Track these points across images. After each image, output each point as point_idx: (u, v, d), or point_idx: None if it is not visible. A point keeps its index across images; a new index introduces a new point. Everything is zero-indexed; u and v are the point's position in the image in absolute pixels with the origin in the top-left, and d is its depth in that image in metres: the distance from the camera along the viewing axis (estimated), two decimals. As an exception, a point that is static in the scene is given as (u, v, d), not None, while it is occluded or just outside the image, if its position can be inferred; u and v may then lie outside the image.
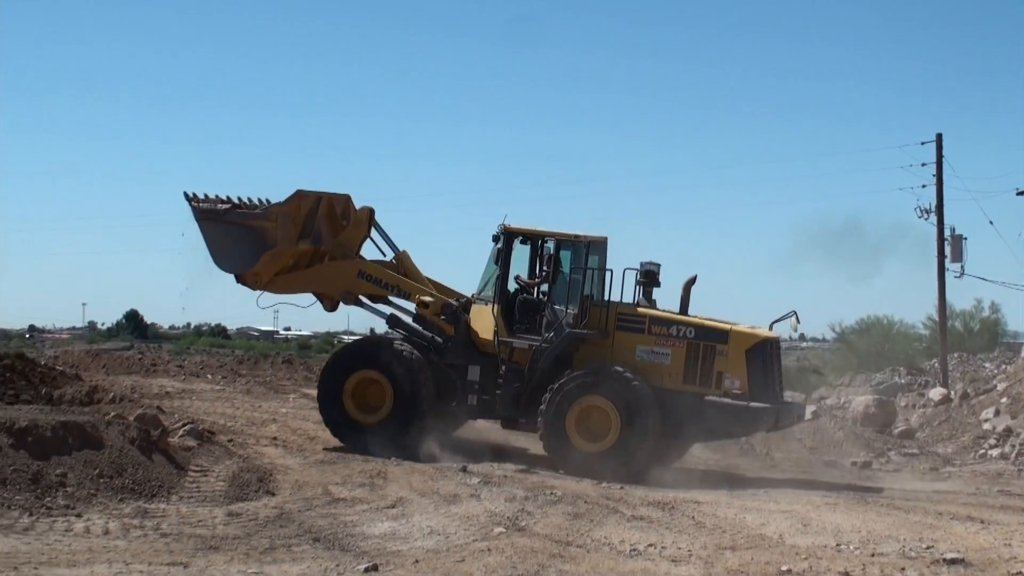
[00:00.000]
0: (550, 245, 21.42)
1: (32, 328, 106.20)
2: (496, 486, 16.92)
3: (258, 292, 22.52)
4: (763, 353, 20.39)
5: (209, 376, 31.88)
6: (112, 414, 16.10)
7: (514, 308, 21.32)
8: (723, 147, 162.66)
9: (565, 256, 21.25)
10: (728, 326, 20.47)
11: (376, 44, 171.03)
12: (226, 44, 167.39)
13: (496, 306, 21.21)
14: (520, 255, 21.85)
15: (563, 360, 20.76)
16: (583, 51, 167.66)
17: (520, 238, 21.62)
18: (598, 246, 21.48)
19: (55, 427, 14.49)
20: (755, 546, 13.62)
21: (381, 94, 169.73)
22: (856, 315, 52.88)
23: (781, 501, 17.29)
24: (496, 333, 21.21)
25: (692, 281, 21.19)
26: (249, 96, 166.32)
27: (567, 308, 20.83)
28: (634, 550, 13.21)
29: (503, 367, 21.07)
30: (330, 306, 22.71)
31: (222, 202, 21.81)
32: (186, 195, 21.84)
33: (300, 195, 21.65)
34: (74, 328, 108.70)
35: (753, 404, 19.93)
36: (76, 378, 24.36)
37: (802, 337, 74.05)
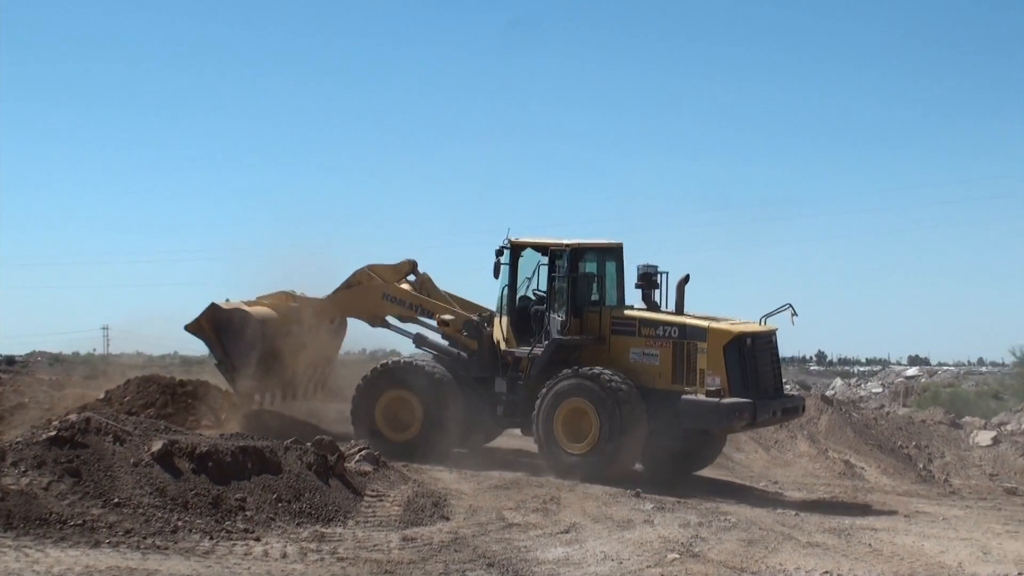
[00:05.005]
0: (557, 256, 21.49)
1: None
2: (669, 511, 16.83)
3: None
4: (741, 348, 20.13)
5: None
6: (290, 440, 16.36)
7: (529, 318, 21.64)
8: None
9: (561, 265, 21.21)
10: (707, 323, 20.34)
11: (373, 47, 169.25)
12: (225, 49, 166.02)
13: (505, 318, 21.70)
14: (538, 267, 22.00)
15: (564, 365, 20.81)
16: (585, 54, 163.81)
17: (530, 250, 21.83)
18: (613, 252, 21.96)
19: (235, 452, 14.77)
20: (934, 574, 13.38)
21: (378, 100, 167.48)
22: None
23: (960, 529, 16.94)
24: (506, 342, 21.65)
25: (685, 280, 21.24)
26: (249, 103, 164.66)
27: (558, 315, 21.04)
28: (810, 577, 13.07)
29: (508, 376, 21.41)
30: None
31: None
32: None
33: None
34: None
35: (724, 401, 19.65)
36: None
37: (980, 361, 72.12)
